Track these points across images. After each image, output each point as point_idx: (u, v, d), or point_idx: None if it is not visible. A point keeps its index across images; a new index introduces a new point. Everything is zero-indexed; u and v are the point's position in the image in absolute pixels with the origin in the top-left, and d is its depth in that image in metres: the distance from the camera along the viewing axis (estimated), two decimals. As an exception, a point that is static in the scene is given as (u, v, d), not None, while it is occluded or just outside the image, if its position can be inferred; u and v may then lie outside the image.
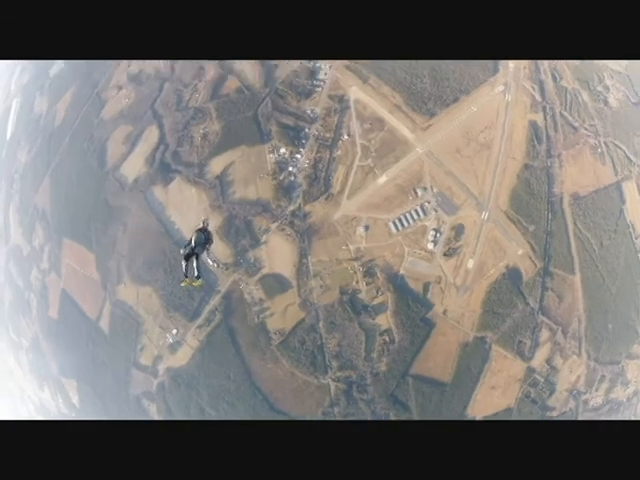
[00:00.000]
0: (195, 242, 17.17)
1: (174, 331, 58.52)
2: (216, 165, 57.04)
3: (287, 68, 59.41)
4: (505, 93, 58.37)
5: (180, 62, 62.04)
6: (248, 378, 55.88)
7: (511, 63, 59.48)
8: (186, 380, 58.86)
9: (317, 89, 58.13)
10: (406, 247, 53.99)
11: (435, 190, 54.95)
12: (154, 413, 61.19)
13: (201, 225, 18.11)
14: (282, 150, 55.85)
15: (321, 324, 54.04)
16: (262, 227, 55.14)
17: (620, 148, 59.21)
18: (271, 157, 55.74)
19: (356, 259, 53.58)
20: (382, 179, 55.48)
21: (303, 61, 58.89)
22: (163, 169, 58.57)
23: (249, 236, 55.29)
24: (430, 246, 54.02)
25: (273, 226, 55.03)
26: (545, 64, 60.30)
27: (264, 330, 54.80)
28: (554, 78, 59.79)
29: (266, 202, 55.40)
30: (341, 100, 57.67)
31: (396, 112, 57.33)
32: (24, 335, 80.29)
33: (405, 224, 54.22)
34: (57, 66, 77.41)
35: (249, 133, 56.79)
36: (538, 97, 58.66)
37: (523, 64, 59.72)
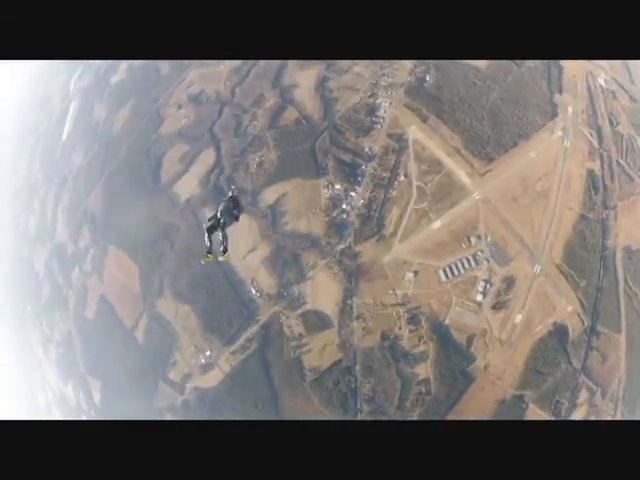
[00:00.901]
0: (222, 211, 15.44)
1: (208, 353, 58.34)
2: (270, 194, 56.99)
3: (347, 102, 58.95)
4: (564, 139, 56.28)
5: (240, 87, 62.35)
6: (275, 411, 54.90)
7: (569, 107, 57.63)
8: (212, 401, 58.40)
9: (376, 126, 57.31)
10: (454, 297, 52.15)
11: (489, 239, 53.04)
12: (173, 428, 60.83)
13: (230, 194, 16.39)
14: (337, 186, 55.20)
15: (358, 367, 52.71)
16: (310, 262, 54.47)
17: (671, 193, 55.87)
18: (325, 192, 55.15)
19: (402, 305, 52.08)
20: (436, 224, 54.01)
21: (363, 97, 58.48)
22: (216, 192, 58.75)
23: (296, 270, 54.74)
24: (479, 297, 51.99)
25: (321, 263, 54.29)
26: (602, 107, 58.18)
27: (299, 365, 53.83)
28: (611, 123, 57.66)
29: (316, 237, 54.73)
30: (400, 139, 56.66)
31: (455, 155, 55.85)
32: (57, 329, 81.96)
33: (455, 272, 52.45)
34: (118, 75, 79.48)
35: (305, 166, 56.46)
36: (595, 144, 56.48)
37: (581, 107, 57.71)
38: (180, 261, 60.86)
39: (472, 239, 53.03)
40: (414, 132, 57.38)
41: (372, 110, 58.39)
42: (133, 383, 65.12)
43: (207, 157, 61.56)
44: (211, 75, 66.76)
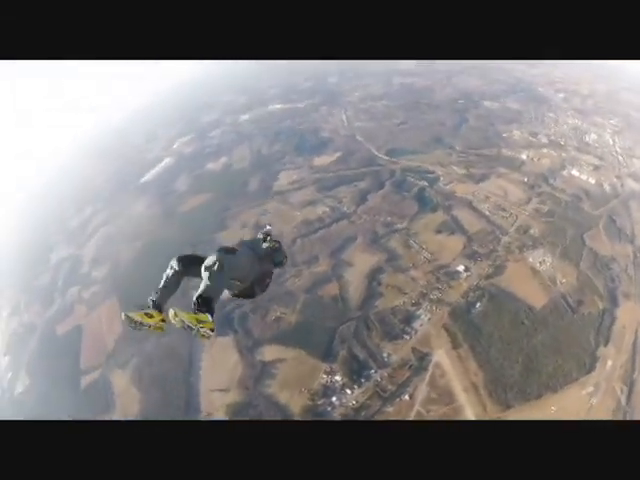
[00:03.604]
0: (239, 244, 8.05)
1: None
2: (269, 352, 54.46)
3: (390, 302, 57.86)
4: (592, 396, 50.14)
5: (302, 240, 63.55)
6: None
7: (609, 361, 52.58)
8: None
9: (405, 336, 54.75)
10: None
11: None
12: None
13: (260, 237, 9.15)
14: (337, 378, 51.52)
15: None
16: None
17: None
18: (323, 378, 51.52)
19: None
20: None
21: (406, 302, 57.18)
22: (225, 319, 57.46)
23: (252, 433, 49.88)
24: None
25: (281, 440, 49.20)
26: None
27: None
28: None
29: (290, 415, 49.80)
30: (422, 359, 53.29)
31: (471, 392, 51.06)
32: (29, 314, 78.76)
33: None
34: (215, 165, 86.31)
35: (317, 343, 54.01)
36: (623, 401, 49.76)
37: (621, 362, 52.47)
38: (157, 353, 58.37)
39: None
40: (440, 356, 54.02)
41: (409, 319, 56.40)
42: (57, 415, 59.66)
43: (239, 285, 61.47)
44: (286, 215, 69.91)
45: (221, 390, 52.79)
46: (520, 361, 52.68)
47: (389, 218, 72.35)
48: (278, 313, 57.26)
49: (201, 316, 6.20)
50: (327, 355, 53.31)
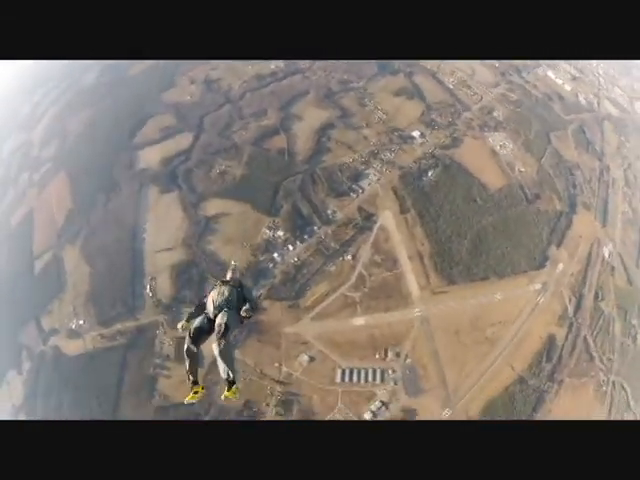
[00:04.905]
0: (219, 302, 8.11)
1: (81, 321, 53.68)
2: (213, 206, 53.36)
3: (337, 157, 56.04)
4: (540, 294, 51.60)
5: (252, 94, 59.77)
6: (112, 412, 49.66)
7: (561, 264, 53.65)
8: (63, 369, 53.36)
9: (352, 194, 54.01)
10: (340, 403, 46.00)
11: (408, 362, 47.22)
12: (18, 373, 55.26)
13: (229, 275, 9.26)
14: (279, 233, 51.36)
15: (208, 419, 47.51)
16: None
17: (625, 390, 50.29)
18: (265, 233, 51.23)
19: (281, 383, 46.47)
20: (359, 320, 48.79)
21: (356, 160, 55.01)
22: (170, 177, 55.61)
23: (195, 292, 49.79)
24: (367, 416, 45.26)
25: (222, 297, 50.01)
26: (594, 278, 54.09)
27: (152, 385, 48.81)
28: (596, 296, 53.03)
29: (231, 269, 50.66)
30: (368, 218, 53.12)
31: (416, 260, 51.45)
32: None
33: (354, 379, 46.41)
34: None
35: (262, 197, 52.98)
36: (570, 311, 51.62)
37: (573, 270, 53.64)
38: (104, 222, 57.16)
39: (390, 353, 47.51)
40: (386, 218, 53.73)
41: (357, 177, 55.44)
42: (12, 308, 60.55)
43: (183, 140, 59.15)
44: (237, 69, 65.62)
45: (166, 250, 52.42)
46: (469, 238, 53.15)
47: (345, 76, 68.83)
48: (223, 167, 55.51)
49: (234, 390, 7.76)
50: (271, 209, 52.84)
